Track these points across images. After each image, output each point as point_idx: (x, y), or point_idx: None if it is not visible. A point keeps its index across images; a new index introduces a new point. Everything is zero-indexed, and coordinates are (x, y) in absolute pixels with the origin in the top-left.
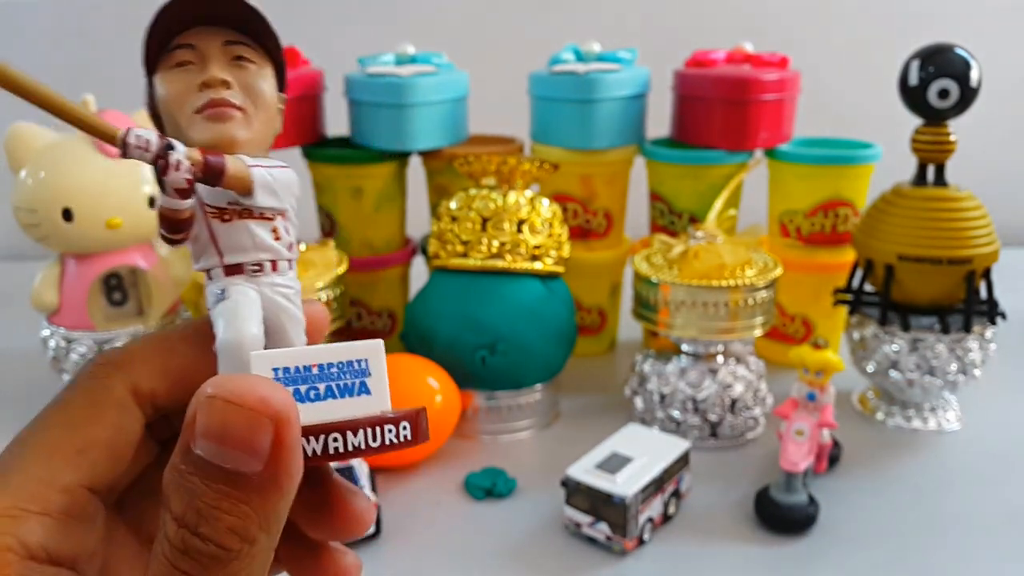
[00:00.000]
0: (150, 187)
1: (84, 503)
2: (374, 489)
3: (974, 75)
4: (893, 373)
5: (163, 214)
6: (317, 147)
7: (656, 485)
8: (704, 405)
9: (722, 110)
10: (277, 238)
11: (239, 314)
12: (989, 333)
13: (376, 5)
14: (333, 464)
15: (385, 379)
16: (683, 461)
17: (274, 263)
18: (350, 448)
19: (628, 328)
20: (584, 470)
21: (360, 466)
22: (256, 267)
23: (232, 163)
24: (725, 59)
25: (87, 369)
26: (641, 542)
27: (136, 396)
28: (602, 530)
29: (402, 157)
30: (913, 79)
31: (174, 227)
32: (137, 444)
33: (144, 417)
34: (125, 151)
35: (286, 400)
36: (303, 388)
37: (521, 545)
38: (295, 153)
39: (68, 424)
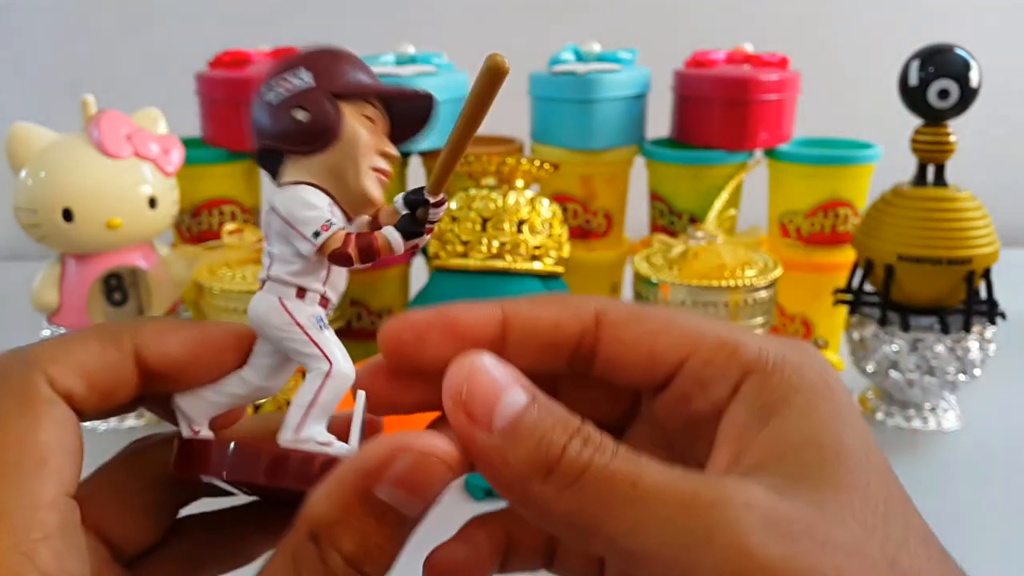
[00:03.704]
0: (150, 187)
1: (71, 511)
2: None
3: (974, 75)
4: (893, 373)
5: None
6: None
7: None
8: None
9: (722, 110)
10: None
11: (344, 350)
12: (989, 333)
13: (376, 5)
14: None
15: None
16: None
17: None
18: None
19: None
20: None
21: None
22: (331, 306)
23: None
24: (725, 59)
25: (2, 372)
26: None
27: (55, 389)
28: None
29: (402, 157)
30: (913, 79)
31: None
32: (80, 437)
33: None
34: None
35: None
36: None
37: None
38: None
39: (17, 439)
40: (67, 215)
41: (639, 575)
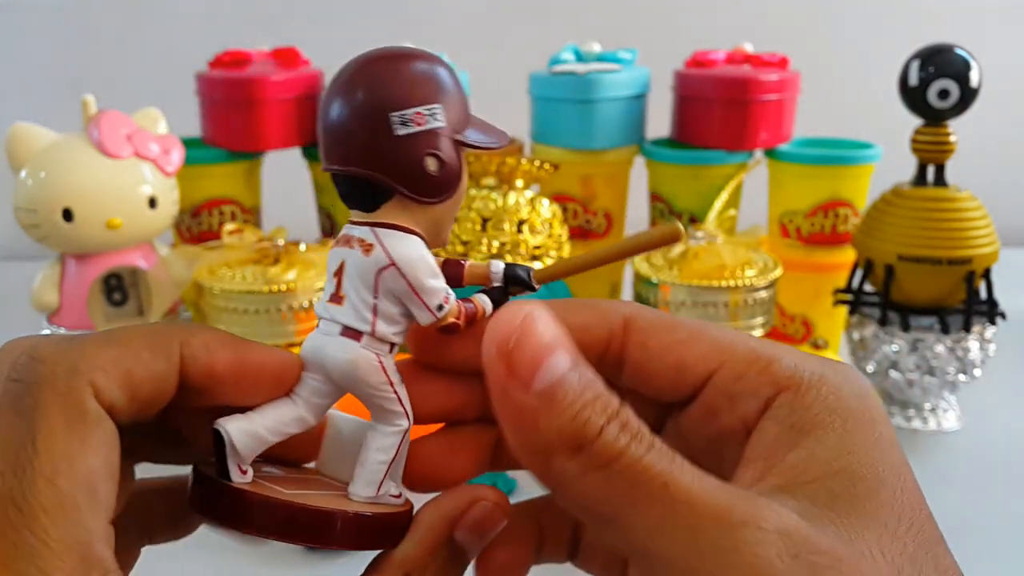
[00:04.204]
0: (150, 187)
1: (113, 539)
2: None
3: (974, 75)
4: (893, 373)
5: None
6: (317, 147)
7: None
8: None
9: (722, 110)
10: None
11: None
12: (989, 333)
13: (376, 5)
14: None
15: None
16: None
17: None
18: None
19: None
20: None
21: None
22: None
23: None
24: (725, 59)
25: (47, 377)
26: None
27: (100, 402)
28: None
29: None
30: (913, 79)
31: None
32: (120, 455)
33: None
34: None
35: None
36: None
37: None
38: (295, 153)
39: (67, 465)
40: (67, 215)
41: (651, 574)
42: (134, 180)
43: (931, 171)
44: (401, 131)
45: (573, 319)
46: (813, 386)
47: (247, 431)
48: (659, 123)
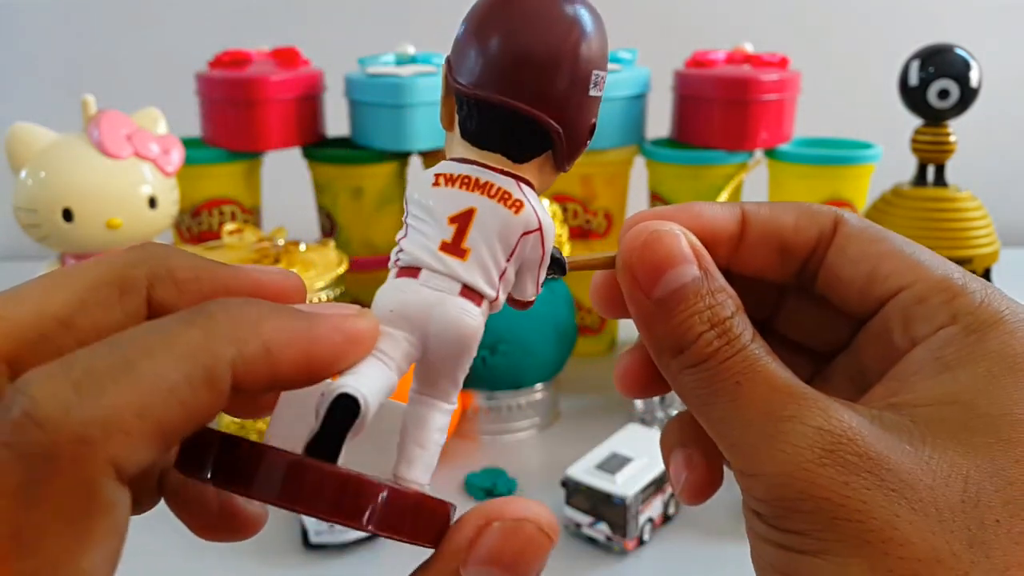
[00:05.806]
0: (150, 187)
1: None
2: None
3: (974, 75)
4: None
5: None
6: (317, 147)
7: (656, 485)
8: None
9: (722, 110)
10: None
11: None
12: None
13: (376, 5)
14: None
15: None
16: None
17: None
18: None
19: (628, 328)
20: (584, 470)
21: None
22: None
23: None
24: (725, 59)
25: (49, 451)
26: (641, 542)
27: (119, 478)
28: (602, 530)
29: (402, 157)
30: (913, 79)
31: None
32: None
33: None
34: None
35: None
36: None
37: None
38: (295, 153)
39: (52, 571)
40: (67, 215)
41: (728, 458)
42: (134, 180)
43: (931, 171)
44: (592, 92)
45: (784, 218)
46: (982, 328)
47: (374, 400)
48: (659, 123)
